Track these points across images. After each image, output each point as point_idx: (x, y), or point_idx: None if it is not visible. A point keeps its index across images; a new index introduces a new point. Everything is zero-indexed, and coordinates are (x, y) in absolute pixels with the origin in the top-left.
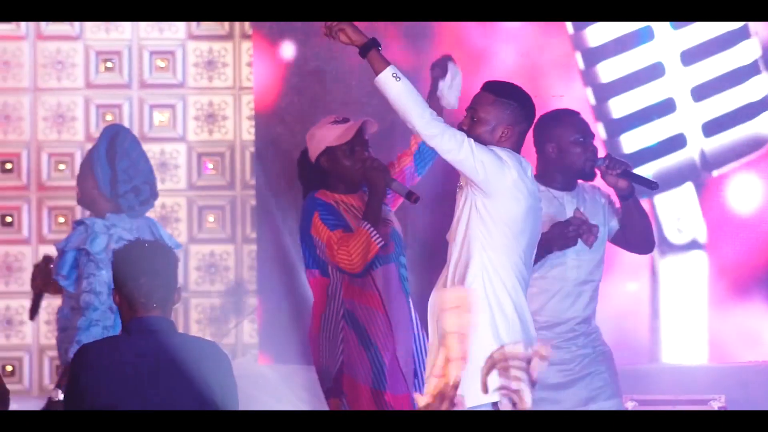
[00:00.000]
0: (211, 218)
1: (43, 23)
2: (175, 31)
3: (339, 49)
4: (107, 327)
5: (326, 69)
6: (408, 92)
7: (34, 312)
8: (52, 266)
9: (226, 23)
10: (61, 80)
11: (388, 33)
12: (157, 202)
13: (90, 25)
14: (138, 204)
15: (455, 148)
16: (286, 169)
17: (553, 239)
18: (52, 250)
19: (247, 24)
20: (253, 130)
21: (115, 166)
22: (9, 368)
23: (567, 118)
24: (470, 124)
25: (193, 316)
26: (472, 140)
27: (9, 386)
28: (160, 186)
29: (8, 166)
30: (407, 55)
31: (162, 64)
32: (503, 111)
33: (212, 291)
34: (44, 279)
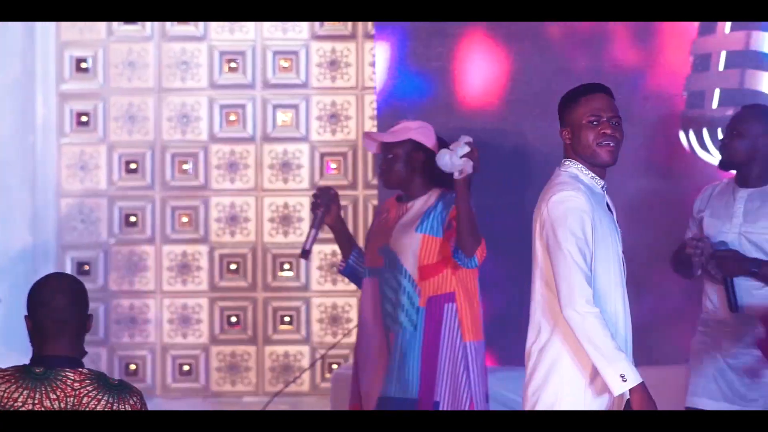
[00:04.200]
0: None
1: (168, 24)
2: (298, 31)
3: (462, 49)
4: None
5: (448, 68)
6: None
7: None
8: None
9: (349, 23)
10: (186, 81)
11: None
12: (280, 202)
13: (214, 26)
14: None
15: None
16: None
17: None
18: (175, 250)
19: (369, 24)
20: (375, 131)
21: None
22: (132, 367)
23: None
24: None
25: (315, 315)
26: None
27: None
28: (283, 186)
29: (133, 166)
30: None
31: (285, 64)
32: None
33: (335, 291)
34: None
